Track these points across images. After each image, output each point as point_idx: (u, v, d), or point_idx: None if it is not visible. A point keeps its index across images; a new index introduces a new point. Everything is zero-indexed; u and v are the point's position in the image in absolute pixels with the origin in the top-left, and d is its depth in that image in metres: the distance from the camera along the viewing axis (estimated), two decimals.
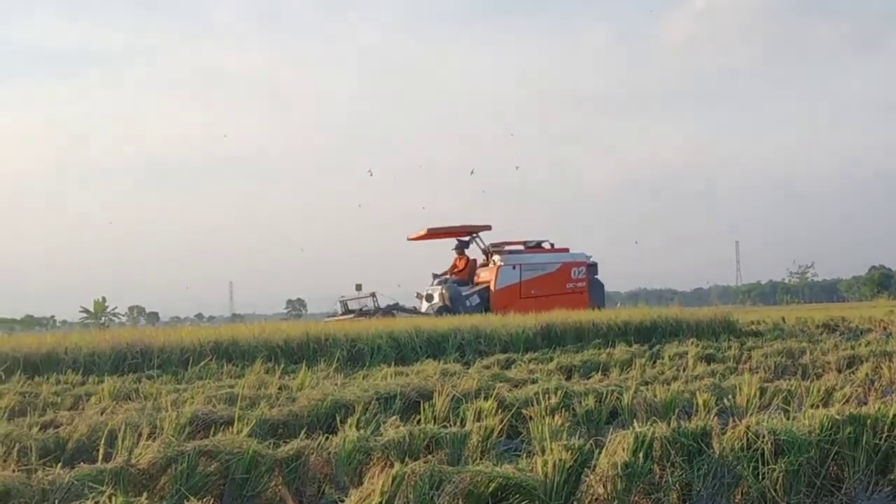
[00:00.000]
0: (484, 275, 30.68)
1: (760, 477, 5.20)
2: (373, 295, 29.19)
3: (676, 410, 7.44)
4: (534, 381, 9.54)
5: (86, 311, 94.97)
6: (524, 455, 5.61)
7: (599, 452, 5.21)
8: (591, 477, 5.07)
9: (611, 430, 6.02)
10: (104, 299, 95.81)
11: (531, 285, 29.99)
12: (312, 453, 5.66)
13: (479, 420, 6.69)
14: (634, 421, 6.60)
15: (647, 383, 9.48)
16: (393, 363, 14.48)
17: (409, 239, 32.24)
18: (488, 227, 31.63)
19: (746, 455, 5.26)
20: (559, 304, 25.47)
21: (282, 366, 13.24)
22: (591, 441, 5.34)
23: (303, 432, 6.35)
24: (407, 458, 5.25)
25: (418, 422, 6.77)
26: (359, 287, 29.82)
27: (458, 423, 6.55)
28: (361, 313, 28.44)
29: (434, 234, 31.68)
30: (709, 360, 13.25)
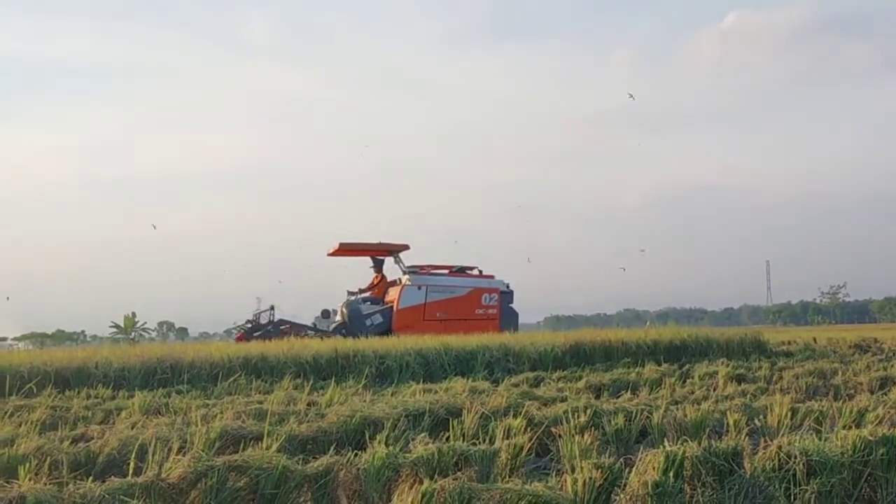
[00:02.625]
0: (391, 294, 30.14)
1: (792, 498, 5.16)
2: (271, 308, 28.88)
3: (707, 430, 7.39)
4: (563, 400, 9.51)
5: (116, 326, 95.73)
6: (553, 473, 5.60)
7: (629, 471, 5.18)
8: (622, 496, 5.05)
9: (641, 449, 5.99)
10: (134, 314, 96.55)
11: (437, 307, 29.38)
12: (342, 469, 5.66)
13: (508, 438, 6.67)
14: (664, 440, 6.57)
15: (676, 403, 9.43)
16: (421, 380, 14.45)
17: (328, 255, 31.47)
18: (406, 247, 31.02)
19: (778, 475, 5.22)
20: (466, 329, 24.50)
21: (310, 382, 13.27)
22: (620, 460, 5.32)
23: (332, 448, 6.36)
24: (436, 475, 5.25)
25: (447, 439, 6.77)
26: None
27: (487, 441, 6.54)
28: (248, 331, 28.35)
29: (347, 250, 31.02)
30: (739, 380, 13.16)
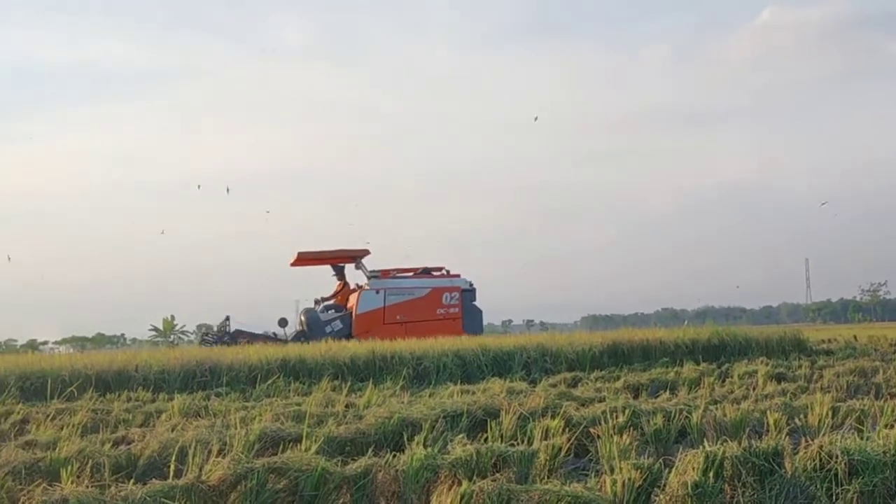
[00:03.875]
0: (351, 300, 29.85)
1: (834, 498, 5.12)
2: (226, 319, 28.80)
3: (747, 430, 7.35)
4: (601, 400, 9.48)
5: (155, 329, 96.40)
6: (592, 474, 5.59)
7: (669, 472, 5.16)
8: (661, 496, 5.03)
9: (680, 449, 5.96)
10: (173, 318, 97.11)
11: (396, 310, 29.07)
12: (380, 471, 5.67)
13: (546, 438, 6.66)
14: (704, 440, 6.52)
15: (716, 402, 9.37)
16: (459, 381, 14.47)
17: (290, 265, 31.17)
18: (366, 252, 30.76)
19: (819, 475, 5.18)
20: (429, 331, 24.36)
21: (348, 384, 13.33)
22: (660, 460, 5.30)
23: (370, 450, 6.37)
24: (474, 477, 5.25)
25: (485, 440, 6.77)
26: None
27: (526, 442, 6.53)
28: (203, 341, 28.29)
29: (307, 259, 30.80)
30: (779, 378, 13.06)
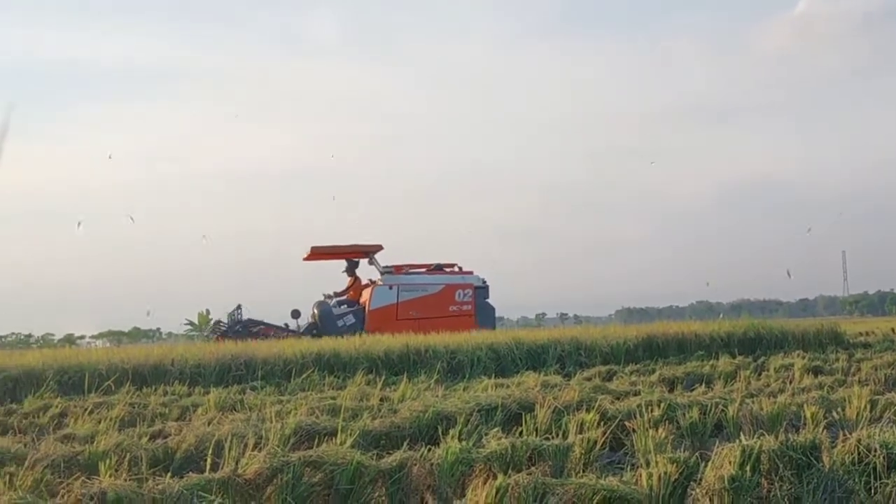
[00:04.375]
0: (364, 295, 29.71)
1: (872, 492, 5.07)
2: (238, 308, 28.73)
3: (784, 423, 7.30)
4: (636, 393, 9.45)
5: (190, 323, 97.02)
6: (628, 468, 5.57)
7: (705, 465, 5.14)
8: (697, 490, 5.02)
9: (716, 443, 5.93)
10: (208, 311, 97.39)
11: (409, 306, 28.88)
12: (415, 464, 5.68)
13: (581, 432, 6.65)
14: (740, 434, 6.49)
15: (752, 396, 9.31)
16: (493, 375, 14.46)
17: (303, 259, 30.98)
18: (379, 248, 30.57)
19: (858, 469, 5.13)
20: (441, 328, 23.89)
21: (382, 377, 13.34)
22: (696, 454, 5.28)
23: (405, 443, 6.39)
24: (510, 470, 5.25)
25: (520, 433, 6.76)
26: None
27: (561, 435, 6.52)
28: (214, 331, 28.20)
29: (320, 253, 30.65)
30: (816, 372, 12.97)
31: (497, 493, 4.65)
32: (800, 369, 12.89)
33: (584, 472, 5.75)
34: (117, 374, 14.01)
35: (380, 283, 29.39)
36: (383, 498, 5.60)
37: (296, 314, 29.35)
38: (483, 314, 29.86)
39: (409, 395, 10.19)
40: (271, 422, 7.34)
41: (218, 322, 29.71)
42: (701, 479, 5.05)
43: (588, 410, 7.42)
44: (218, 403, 9.95)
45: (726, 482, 4.91)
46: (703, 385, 11.06)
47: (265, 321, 28.79)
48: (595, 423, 6.93)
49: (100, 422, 8.46)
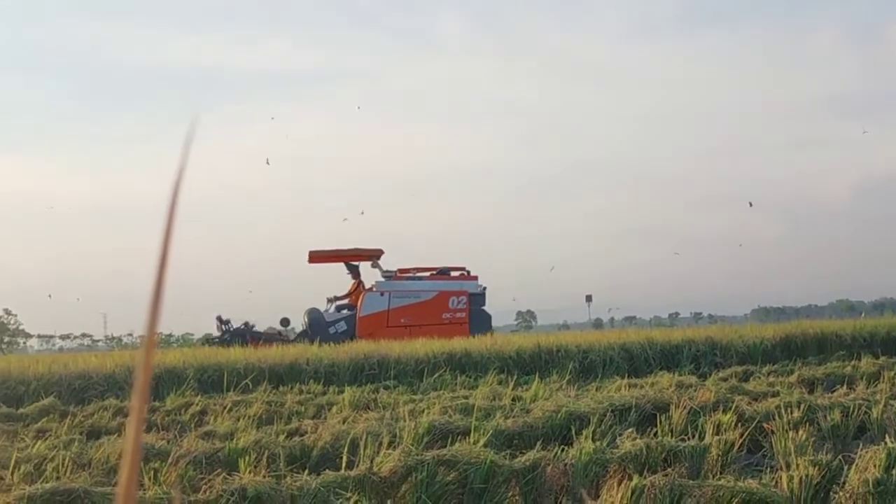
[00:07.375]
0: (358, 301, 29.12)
1: None
2: (220, 319, 28.48)
3: None
4: (775, 394, 9.24)
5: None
6: (767, 470, 5.46)
7: (848, 469, 5.00)
8: (840, 494, 4.88)
9: (860, 445, 5.76)
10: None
11: (401, 313, 28.30)
12: (549, 464, 5.68)
13: (717, 433, 6.54)
14: (885, 436, 6.28)
15: None
16: (626, 375, 14.32)
17: (309, 262, 30.22)
18: (380, 252, 29.85)
19: None
20: (433, 335, 22.38)
21: (514, 377, 13.34)
22: (838, 457, 5.14)
23: (538, 443, 6.38)
24: (645, 471, 5.20)
25: (655, 434, 6.68)
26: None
27: (697, 437, 6.42)
28: (208, 340, 27.90)
29: (319, 257, 30.02)
30: None
31: (633, 494, 4.61)
32: None
33: (721, 474, 5.66)
34: (254, 372, 14.39)
35: (373, 289, 29.11)
36: (517, 497, 5.61)
37: (285, 322, 29.39)
38: (477, 322, 28.98)
39: (542, 395, 10.17)
40: (405, 420, 7.42)
41: (219, 327, 29.49)
42: (844, 483, 4.91)
43: (725, 411, 7.29)
44: (352, 402, 10.11)
45: (871, 486, 4.77)
46: (845, 386, 10.72)
47: (258, 330, 28.69)
48: (732, 425, 6.81)
49: (238, 419, 8.69)
